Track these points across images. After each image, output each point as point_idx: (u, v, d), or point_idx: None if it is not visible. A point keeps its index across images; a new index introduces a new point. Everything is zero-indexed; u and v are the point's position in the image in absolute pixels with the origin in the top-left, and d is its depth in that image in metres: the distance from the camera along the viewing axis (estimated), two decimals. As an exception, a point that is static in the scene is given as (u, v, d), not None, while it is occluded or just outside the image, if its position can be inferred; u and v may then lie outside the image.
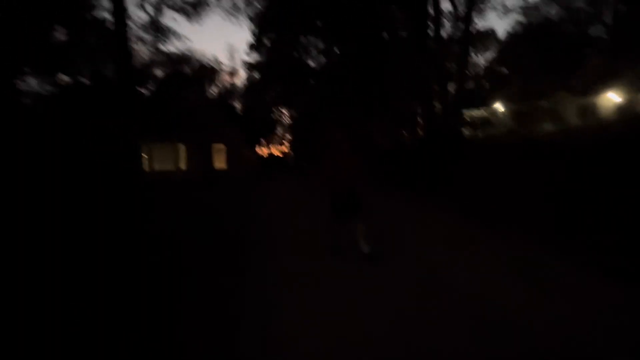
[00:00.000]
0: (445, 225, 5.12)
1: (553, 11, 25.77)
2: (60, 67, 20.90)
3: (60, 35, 19.12)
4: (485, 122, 16.69)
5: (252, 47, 31.15)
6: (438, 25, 10.24)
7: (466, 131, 10.83)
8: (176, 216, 7.86)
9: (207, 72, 35.69)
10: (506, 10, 14.84)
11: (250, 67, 32.36)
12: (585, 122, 19.47)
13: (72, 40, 20.78)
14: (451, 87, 10.95)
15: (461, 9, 9.90)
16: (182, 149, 18.48)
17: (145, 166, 17.67)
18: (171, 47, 42.21)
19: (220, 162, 20.23)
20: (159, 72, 28.57)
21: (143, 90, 26.64)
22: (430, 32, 10.56)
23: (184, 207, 9.33)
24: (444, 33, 10.50)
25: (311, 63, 30.46)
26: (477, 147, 6.21)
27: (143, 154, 17.66)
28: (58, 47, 20.14)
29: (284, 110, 36.42)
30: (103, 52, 20.51)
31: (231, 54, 51.86)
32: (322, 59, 27.80)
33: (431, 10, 10.41)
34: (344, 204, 4.10)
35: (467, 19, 9.69)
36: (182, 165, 18.47)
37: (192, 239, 5.56)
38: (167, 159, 18.06)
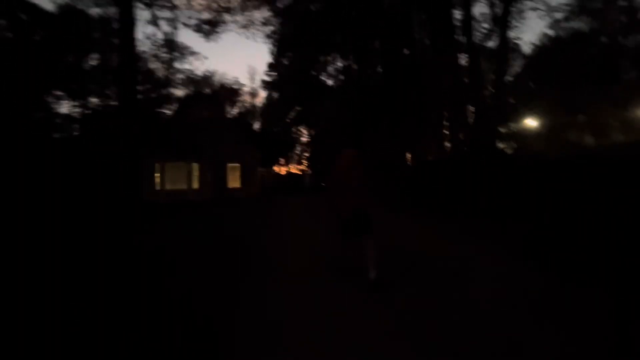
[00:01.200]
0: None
1: (583, 23, 24.48)
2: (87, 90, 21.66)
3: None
4: (518, 137, 15.30)
5: (271, 66, 31.47)
6: (469, 32, 9.29)
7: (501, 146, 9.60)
8: (172, 239, 7.06)
9: (227, 92, 36.32)
10: (549, 10, 12.33)
11: (268, 86, 32.62)
12: (629, 136, 17.75)
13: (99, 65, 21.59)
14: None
15: (497, 10, 8.91)
16: (195, 167, 18.08)
17: (157, 185, 17.35)
18: (191, 67, 43.68)
19: (234, 181, 19.70)
20: (180, 92, 29.14)
21: (164, 110, 27.14)
22: (461, 39, 9.65)
23: (184, 229, 8.54)
24: (475, 40, 9.50)
25: (329, 82, 30.34)
26: (526, 165, 5.01)
27: (155, 173, 17.46)
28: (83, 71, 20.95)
29: (302, 129, 36.24)
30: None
31: (252, 75, 52.93)
32: (341, 78, 27.54)
33: (459, 16, 9.55)
34: (352, 224, 3.76)
35: (504, 21, 8.70)
36: (195, 184, 17.98)
37: (185, 263, 4.73)
38: (179, 178, 17.67)
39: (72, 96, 21.22)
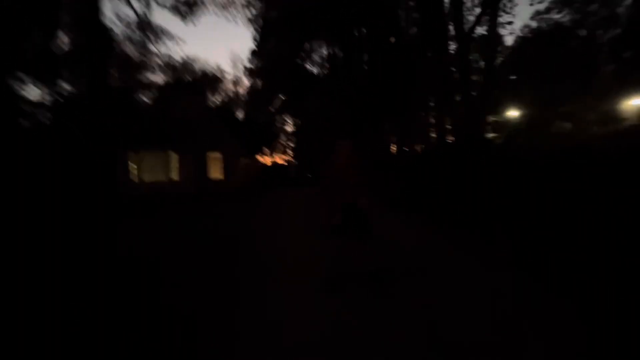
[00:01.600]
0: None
1: (564, 15, 24.76)
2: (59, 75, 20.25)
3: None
4: (503, 128, 15.32)
5: (254, 53, 30.44)
6: (460, 18, 8.98)
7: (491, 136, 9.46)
8: (149, 242, 6.61)
9: (208, 79, 35.06)
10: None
11: (251, 73, 31.61)
12: (608, 128, 18.18)
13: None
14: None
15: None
16: (174, 158, 17.23)
17: (134, 177, 16.48)
18: (168, 51, 41.93)
19: (216, 172, 19.00)
20: (159, 79, 27.83)
21: (142, 98, 25.90)
22: (450, 28, 9.35)
23: (162, 231, 8.06)
24: (465, 28, 9.19)
25: (315, 70, 29.63)
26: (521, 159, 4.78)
27: (131, 164, 16.57)
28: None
29: (287, 119, 35.50)
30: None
31: (234, 62, 51.29)
32: (326, 66, 26.92)
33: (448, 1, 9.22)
34: (346, 222, 3.44)
35: (494, 6, 8.45)
36: (174, 175, 17.19)
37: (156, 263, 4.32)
38: (157, 169, 16.83)
39: (41, 81, 19.82)
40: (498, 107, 24.04)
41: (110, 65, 21.16)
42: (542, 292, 3.14)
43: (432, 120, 14.48)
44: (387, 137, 19.51)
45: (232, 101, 36.63)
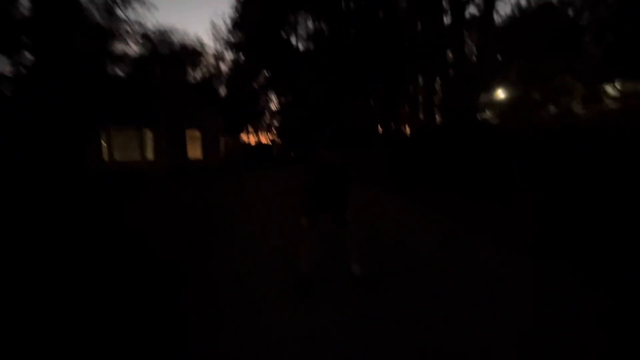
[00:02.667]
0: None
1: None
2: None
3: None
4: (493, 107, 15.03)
5: (235, 25, 28.71)
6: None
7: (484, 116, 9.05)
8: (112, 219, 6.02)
9: (187, 53, 33.10)
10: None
11: (233, 47, 29.92)
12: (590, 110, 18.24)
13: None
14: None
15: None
16: (149, 135, 16.17)
17: (104, 156, 15.44)
18: (144, 21, 39.18)
19: (195, 150, 18.06)
20: (133, 51, 25.98)
21: (114, 70, 24.18)
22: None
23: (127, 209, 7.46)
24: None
25: (300, 45, 28.31)
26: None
27: (102, 142, 15.49)
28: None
29: (272, 96, 34.23)
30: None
31: (215, 34, 48.64)
32: (312, 41, 25.70)
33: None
34: (325, 188, 2.82)
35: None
36: (149, 154, 16.20)
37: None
38: (131, 147, 15.79)
39: (1, 51, 18.02)
40: (489, 86, 23.77)
41: (75, 32, 19.40)
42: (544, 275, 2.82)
43: (421, 100, 14.00)
44: (375, 118, 19.01)
45: (214, 77, 34.93)
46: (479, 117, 7.39)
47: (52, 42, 17.41)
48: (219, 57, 35.95)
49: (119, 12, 19.98)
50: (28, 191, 10.37)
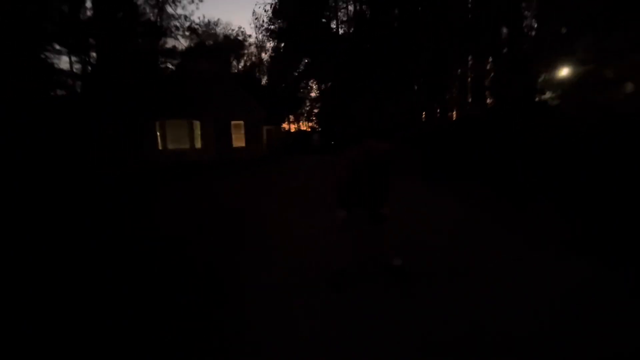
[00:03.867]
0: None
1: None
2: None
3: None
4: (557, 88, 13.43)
5: (276, 12, 28.80)
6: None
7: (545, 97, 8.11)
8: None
9: (230, 43, 34.04)
10: None
11: (273, 35, 30.15)
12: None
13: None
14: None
15: None
16: (197, 126, 17.17)
17: (159, 145, 16.66)
18: (186, 12, 40.75)
19: (239, 140, 18.79)
20: (181, 45, 27.33)
21: (166, 65, 25.65)
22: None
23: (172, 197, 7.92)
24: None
25: (341, 30, 27.68)
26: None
27: (157, 132, 16.69)
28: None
29: (311, 84, 34.15)
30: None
31: (257, 24, 49.29)
32: (353, 25, 24.99)
33: None
34: (364, 180, 2.71)
35: None
36: (198, 143, 17.21)
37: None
38: (181, 137, 16.89)
39: (71, 51, 19.95)
40: (551, 63, 21.36)
41: (132, 31, 20.81)
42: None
43: (470, 82, 13.02)
44: (417, 102, 18.13)
45: (256, 66, 35.63)
46: (537, 99, 6.62)
47: (113, 42, 18.94)
48: (260, 46, 36.53)
49: (169, 9, 21.06)
50: (103, 174, 11.78)
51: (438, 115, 15.85)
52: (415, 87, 16.65)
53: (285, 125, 36.44)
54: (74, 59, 19.99)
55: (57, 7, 18.15)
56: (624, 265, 2.77)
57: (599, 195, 3.25)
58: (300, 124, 41.24)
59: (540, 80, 7.39)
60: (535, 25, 8.51)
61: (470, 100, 13.23)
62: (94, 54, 20.24)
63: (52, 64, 18.11)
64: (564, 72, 19.73)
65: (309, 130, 34.39)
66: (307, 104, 37.13)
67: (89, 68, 20.03)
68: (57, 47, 18.58)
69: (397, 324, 2.22)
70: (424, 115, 17.50)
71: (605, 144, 3.38)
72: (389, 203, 2.78)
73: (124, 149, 15.91)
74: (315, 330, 2.20)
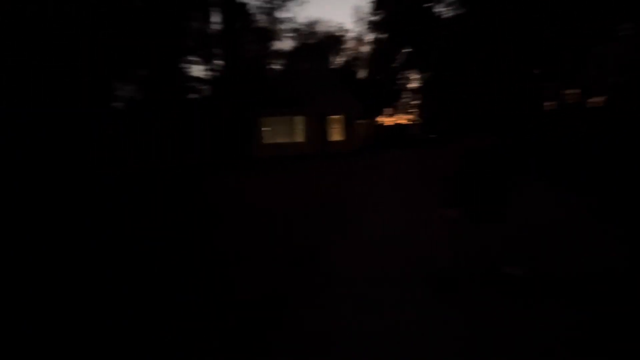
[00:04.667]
0: None
1: None
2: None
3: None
4: None
5: (378, 3, 28.21)
6: None
7: None
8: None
9: (331, 41, 34.94)
10: None
11: (374, 26, 29.66)
12: None
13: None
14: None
15: None
16: (298, 121, 18.54)
17: (263, 139, 18.48)
18: (295, 17, 43.30)
19: (336, 134, 19.32)
20: (284, 45, 29.37)
21: (271, 66, 28.01)
22: None
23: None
24: None
25: (445, 14, 25.39)
26: None
27: (262, 128, 18.58)
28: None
29: (411, 75, 32.47)
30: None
31: (358, 17, 49.38)
32: (459, 7, 22.59)
33: None
34: (480, 176, 2.37)
35: None
36: (298, 138, 18.57)
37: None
38: (284, 131, 18.51)
39: (202, 60, 23.57)
40: None
41: (247, 38, 23.34)
42: None
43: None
44: (537, 88, 15.25)
45: (354, 60, 35.77)
46: None
47: (233, 50, 21.72)
48: (358, 40, 36.45)
49: (276, 13, 22.80)
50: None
51: (567, 102, 13.04)
52: (535, 71, 14.06)
53: (381, 119, 35.69)
54: (201, 67, 23.54)
55: (195, 26, 21.64)
56: None
57: None
58: (397, 117, 39.80)
59: None
60: None
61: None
62: (217, 62, 23.43)
63: (185, 72, 21.77)
64: None
65: (407, 123, 32.87)
66: (405, 96, 35.53)
67: (212, 74, 23.28)
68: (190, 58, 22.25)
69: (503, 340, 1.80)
70: (546, 104, 14.67)
71: None
72: (506, 203, 2.34)
73: (237, 141, 18.38)
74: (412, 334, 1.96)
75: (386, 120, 39.03)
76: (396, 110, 39.35)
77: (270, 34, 23.88)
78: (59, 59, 12.21)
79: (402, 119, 38.56)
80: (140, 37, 15.04)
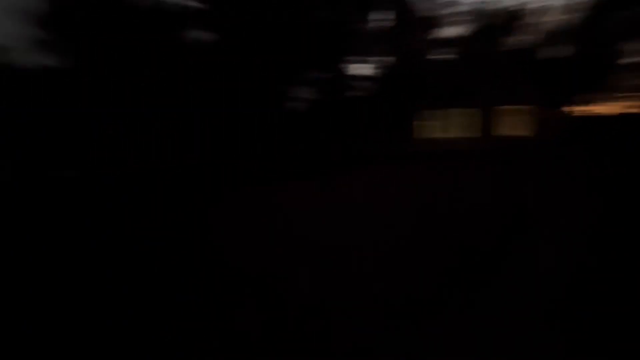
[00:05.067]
0: None
1: None
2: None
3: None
4: None
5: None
6: None
7: None
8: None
9: (513, 19, 29.36)
10: None
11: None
12: None
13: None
14: None
15: None
16: (465, 114, 15.96)
17: (426, 133, 16.81)
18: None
19: (512, 128, 15.66)
20: (452, 32, 26.46)
21: (439, 56, 25.76)
22: None
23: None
24: None
25: None
26: None
27: (427, 121, 16.99)
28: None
29: (630, 44, 23.27)
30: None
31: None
32: None
33: None
34: None
35: None
36: (469, 132, 15.99)
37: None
38: (448, 125, 16.32)
39: (363, 58, 23.94)
40: None
41: (413, 32, 22.21)
42: None
43: None
44: None
45: (537, 37, 28.89)
46: None
47: (395, 46, 21.23)
48: (543, 11, 29.16)
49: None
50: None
51: None
52: None
53: (580, 108, 27.50)
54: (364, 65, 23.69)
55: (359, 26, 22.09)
56: None
57: None
58: (600, 105, 29.65)
59: None
60: None
61: None
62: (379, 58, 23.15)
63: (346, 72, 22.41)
64: None
65: (623, 114, 23.83)
66: (616, 75, 25.85)
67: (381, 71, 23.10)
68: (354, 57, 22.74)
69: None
70: None
71: None
72: None
73: (396, 137, 17.72)
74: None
75: (583, 109, 29.87)
76: (600, 96, 29.44)
77: (431, 21, 21.86)
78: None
79: (612, 107, 28.50)
80: (311, 44, 16.26)
